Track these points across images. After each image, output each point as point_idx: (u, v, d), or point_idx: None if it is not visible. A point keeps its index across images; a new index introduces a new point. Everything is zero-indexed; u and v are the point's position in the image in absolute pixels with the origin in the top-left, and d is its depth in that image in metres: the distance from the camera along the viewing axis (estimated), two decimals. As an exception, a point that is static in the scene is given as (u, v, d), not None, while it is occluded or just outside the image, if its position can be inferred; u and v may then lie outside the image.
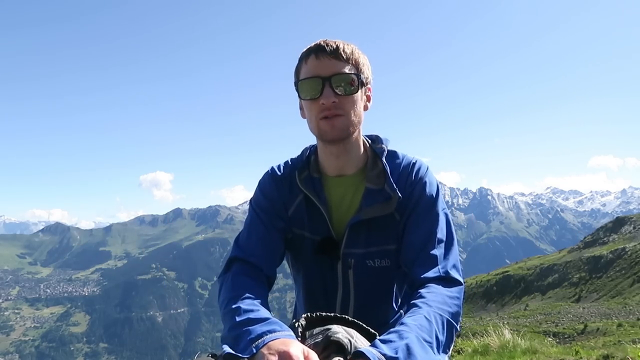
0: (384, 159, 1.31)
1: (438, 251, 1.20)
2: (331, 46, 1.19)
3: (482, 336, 7.00)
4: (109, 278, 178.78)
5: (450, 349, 1.05)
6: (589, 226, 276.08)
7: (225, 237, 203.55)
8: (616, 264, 36.03)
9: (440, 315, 1.05)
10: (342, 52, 1.19)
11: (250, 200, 1.43)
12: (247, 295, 1.12)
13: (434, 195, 1.29)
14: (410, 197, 1.27)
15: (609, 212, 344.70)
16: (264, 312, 1.04)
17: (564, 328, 21.56)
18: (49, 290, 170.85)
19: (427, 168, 1.33)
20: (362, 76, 1.22)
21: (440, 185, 1.34)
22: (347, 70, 1.19)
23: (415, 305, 1.07)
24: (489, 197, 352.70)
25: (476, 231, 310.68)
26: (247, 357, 0.91)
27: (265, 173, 1.43)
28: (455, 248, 1.25)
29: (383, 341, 0.90)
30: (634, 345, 8.38)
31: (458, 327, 1.08)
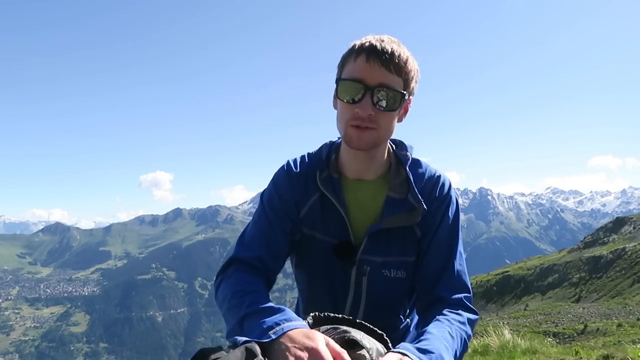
0: (407, 168, 1.27)
1: (461, 278, 1.23)
2: (386, 52, 1.09)
3: (482, 336, 7.00)
4: (109, 278, 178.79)
5: None
6: (589, 226, 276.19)
7: (225, 237, 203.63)
8: (616, 264, 36.06)
9: (460, 335, 1.07)
10: (396, 62, 1.10)
11: (262, 194, 1.37)
12: (253, 289, 1.10)
13: (457, 217, 1.28)
14: (434, 214, 1.24)
15: (609, 212, 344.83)
16: (274, 304, 1.01)
17: (564, 328, 21.56)
18: (49, 290, 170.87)
19: (450, 185, 1.30)
20: (406, 92, 1.15)
21: (458, 199, 1.33)
22: (394, 84, 1.11)
23: (438, 320, 1.08)
24: (489, 197, 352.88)
25: (476, 231, 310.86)
26: (267, 342, 0.86)
27: (281, 168, 1.36)
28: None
29: (419, 350, 0.91)
30: (634, 346, 8.38)
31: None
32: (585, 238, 52.30)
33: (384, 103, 1.11)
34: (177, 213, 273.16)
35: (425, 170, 1.29)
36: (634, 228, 43.95)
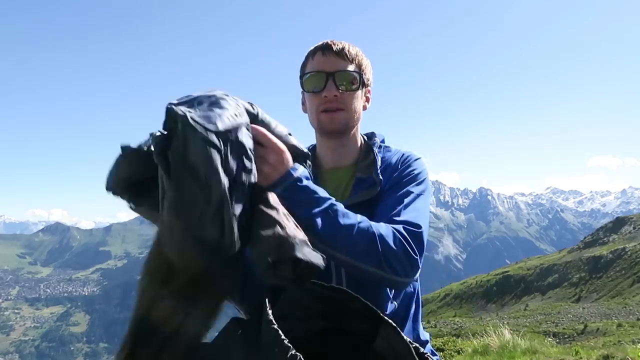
0: (375, 149, 1.38)
1: (402, 217, 1.17)
2: (337, 46, 1.28)
3: (482, 336, 7.01)
4: (109, 278, 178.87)
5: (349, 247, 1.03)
6: (589, 226, 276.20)
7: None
8: (616, 264, 36.06)
9: (370, 227, 1.06)
10: (347, 52, 1.28)
11: None
12: None
13: (414, 176, 1.30)
14: (391, 177, 1.33)
15: (609, 212, 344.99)
16: None
17: (564, 328, 21.58)
18: (49, 290, 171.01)
19: (418, 159, 1.37)
20: (363, 76, 1.32)
21: (430, 182, 1.36)
22: (350, 68, 1.28)
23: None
24: (489, 197, 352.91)
25: (476, 231, 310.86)
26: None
27: None
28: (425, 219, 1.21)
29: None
30: (634, 346, 8.39)
31: (381, 260, 1.04)
32: (585, 238, 52.37)
33: (345, 85, 1.27)
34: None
35: (395, 153, 1.39)
36: (634, 228, 43.96)
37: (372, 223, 1.08)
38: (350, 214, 1.06)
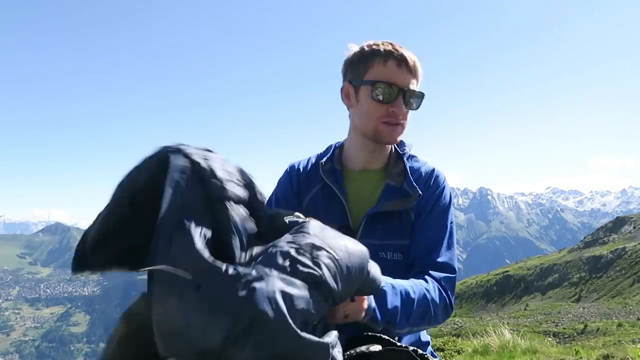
0: (405, 160, 1.41)
1: (446, 258, 1.30)
2: (411, 60, 1.28)
3: (482, 336, 7.00)
4: (109, 278, 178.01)
5: (414, 327, 1.16)
6: (589, 226, 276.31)
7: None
8: (616, 264, 36.07)
9: (422, 292, 1.16)
10: (416, 69, 1.30)
11: (270, 197, 1.50)
12: None
13: (447, 206, 1.38)
14: (427, 199, 1.35)
15: (609, 212, 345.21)
16: None
17: (564, 328, 21.58)
18: (49, 290, 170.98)
19: (445, 179, 1.42)
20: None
21: (452, 196, 1.43)
22: (418, 88, 1.31)
23: (414, 277, 1.23)
24: (489, 197, 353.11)
25: (476, 231, 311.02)
26: None
27: (285, 171, 1.52)
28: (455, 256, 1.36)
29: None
30: (634, 345, 8.40)
31: (431, 320, 1.18)
32: (585, 238, 52.38)
33: (414, 104, 1.31)
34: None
35: (422, 164, 1.43)
36: (634, 228, 43.97)
37: (421, 285, 1.17)
38: (409, 289, 1.12)
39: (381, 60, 1.29)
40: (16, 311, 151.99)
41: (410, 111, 1.34)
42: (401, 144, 1.46)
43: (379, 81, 1.28)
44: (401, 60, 1.27)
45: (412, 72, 1.29)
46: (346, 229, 1.33)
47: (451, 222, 1.37)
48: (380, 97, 1.28)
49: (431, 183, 1.38)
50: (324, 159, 1.44)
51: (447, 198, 1.38)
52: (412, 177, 1.36)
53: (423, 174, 1.39)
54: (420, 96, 1.32)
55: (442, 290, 1.23)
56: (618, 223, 47.82)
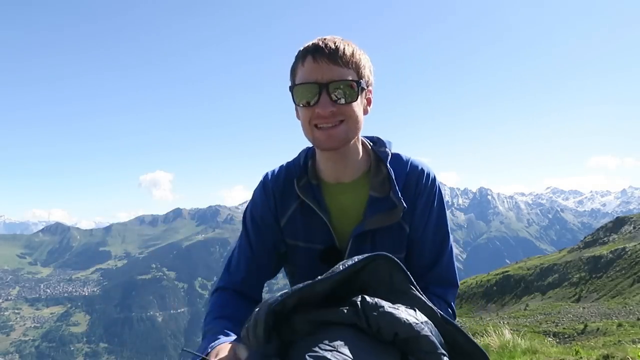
0: (388, 164, 1.24)
1: (448, 272, 1.24)
2: (330, 47, 1.10)
3: (482, 336, 7.00)
4: (109, 278, 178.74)
5: None
6: (589, 226, 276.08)
7: (225, 237, 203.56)
8: (616, 264, 36.05)
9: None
10: (342, 55, 1.10)
11: (244, 213, 1.39)
12: (221, 315, 1.18)
13: (443, 210, 1.27)
14: (422, 208, 1.23)
15: (609, 212, 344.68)
16: (223, 330, 1.09)
17: (564, 328, 21.55)
18: (49, 290, 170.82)
19: (434, 177, 1.27)
20: (362, 81, 1.13)
21: (442, 188, 1.32)
22: (346, 76, 1.10)
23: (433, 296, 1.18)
24: (489, 197, 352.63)
25: (476, 231, 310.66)
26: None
27: (259, 182, 1.37)
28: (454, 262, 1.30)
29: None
30: (634, 345, 8.40)
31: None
32: (585, 238, 52.25)
33: (342, 97, 1.10)
34: (177, 213, 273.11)
35: (407, 164, 1.26)
36: (634, 228, 43.93)
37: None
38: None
39: (300, 62, 1.14)
40: (16, 311, 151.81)
41: (365, 103, 1.18)
42: (379, 144, 1.30)
43: (297, 84, 1.13)
44: (316, 52, 1.10)
45: (335, 60, 1.09)
46: (332, 250, 1.25)
47: (449, 228, 1.29)
48: (302, 101, 1.13)
49: (422, 187, 1.24)
50: (299, 174, 1.29)
51: (442, 200, 1.26)
52: (399, 184, 1.22)
53: (411, 178, 1.24)
54: (351, 86, 1.10)
55: (449, 307, 1.19)
56: (618, 223, 47.74)
